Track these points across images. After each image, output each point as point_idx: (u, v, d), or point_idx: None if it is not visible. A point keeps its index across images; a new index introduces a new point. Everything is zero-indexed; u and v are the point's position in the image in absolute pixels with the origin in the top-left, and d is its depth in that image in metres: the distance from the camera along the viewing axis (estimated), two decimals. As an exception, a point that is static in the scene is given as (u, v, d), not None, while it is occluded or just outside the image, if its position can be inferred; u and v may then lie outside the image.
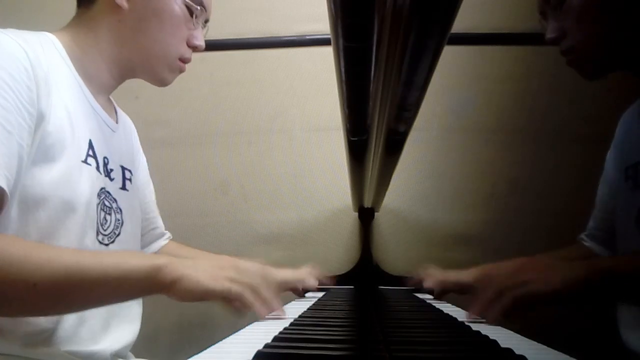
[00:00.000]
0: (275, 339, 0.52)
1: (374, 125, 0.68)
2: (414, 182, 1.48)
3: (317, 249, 1.24)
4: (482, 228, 1.45)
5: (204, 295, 0.63)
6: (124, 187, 0.85)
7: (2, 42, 0.64)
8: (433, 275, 1.08)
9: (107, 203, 0.79)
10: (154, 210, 1.03)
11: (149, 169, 1.02)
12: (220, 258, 1.00)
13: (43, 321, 0.68)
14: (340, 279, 1.34)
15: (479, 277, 0.94)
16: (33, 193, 0.65)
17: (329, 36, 0.46)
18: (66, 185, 0.69)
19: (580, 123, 1.44)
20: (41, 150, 0.66)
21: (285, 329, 0.60)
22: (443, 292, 1.06)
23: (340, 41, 0.45)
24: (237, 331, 0.63)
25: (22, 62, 0.64)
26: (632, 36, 0.82)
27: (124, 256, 0.66)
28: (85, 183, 0.72)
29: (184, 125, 1.55)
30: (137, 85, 0.90)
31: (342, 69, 0.50)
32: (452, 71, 1.45)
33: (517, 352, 0.46)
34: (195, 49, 0.87)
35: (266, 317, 0.68)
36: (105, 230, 0.78)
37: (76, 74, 0.76)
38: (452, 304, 1.00)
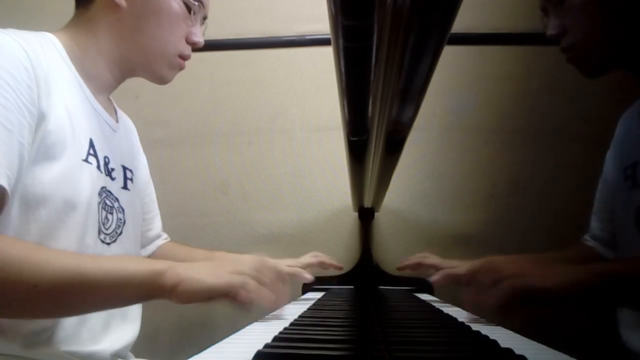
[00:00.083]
0: (275, 339, 0.52)
1: (374, 125, 0.68)
2: (414, 182, 1.48)
3: (317, 249, 1.24)
4: (482, 228, 1.45)
5: (207, 294, 0.63)
6: (125, 187, 0.85)
7: (3, 42, 0.64)
8: (433, 264, 1.11)
9: (108, 202, 0.79)
10: (154, 210, 1.03)
11: (149, 169, 1.02)
12: (216, 257, 1.00)
13: (43, 321, 0.68)
14: (340, 279, 1.34)
15: (478, 266, 0.94)
16: (34, 192, 0.65)
17: (329, 36, 0.46)
18: (67, 184, 0.69)
19: (580, 123, 1.44)
20: (42, 150, 0.66)
21: (285, 329, 0.60)
22: (443, 282, 1.07)
23: (340, 41, 0.45)
24: (237, 331, 0.63)
25: (22, 62, 0.64)
26: (632, 35, 0.82)
27: (123, 261, 0.65)
28: (86, 182, 0.72)
29: (184, 125, 1.56)
30: (137, 85, 0.90)
31: (342, 69, 0.50)
32: (452, 71, 1.45)
33: (517, 352, 0.46)
34: (194, 45, 0.87)
35: (266, 317, 0.68)
36: (107, 230, 0.78)
37: (76, 73, 0.76)
38: (452, 304, 1.00)
